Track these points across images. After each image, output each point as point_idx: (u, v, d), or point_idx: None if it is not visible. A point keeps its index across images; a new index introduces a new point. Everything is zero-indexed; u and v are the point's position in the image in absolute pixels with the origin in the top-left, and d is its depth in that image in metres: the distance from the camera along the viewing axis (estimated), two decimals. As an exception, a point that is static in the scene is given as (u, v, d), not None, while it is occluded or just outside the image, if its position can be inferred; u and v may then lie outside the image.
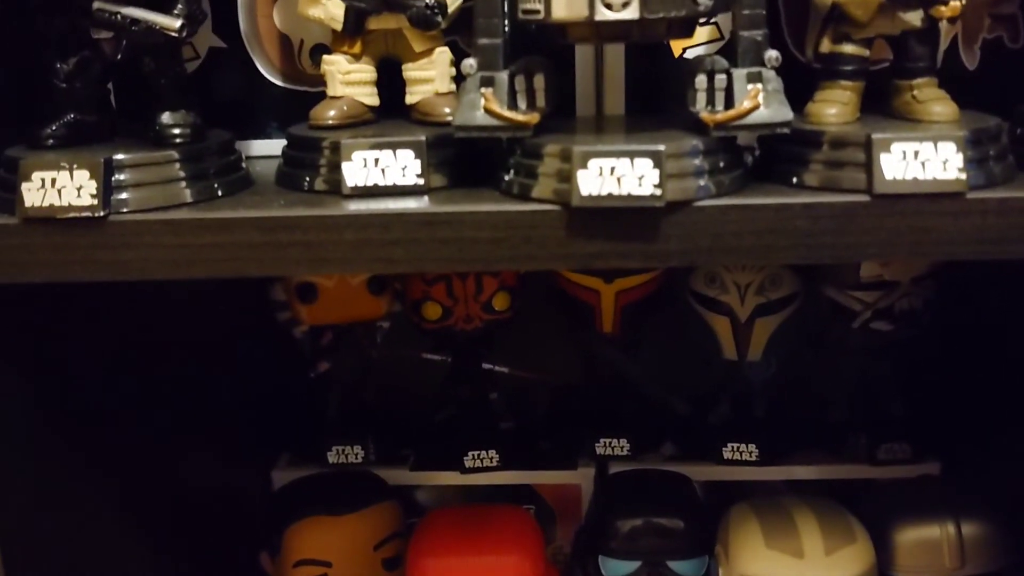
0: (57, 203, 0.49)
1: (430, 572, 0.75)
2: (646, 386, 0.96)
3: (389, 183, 0.53)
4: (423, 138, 0.54)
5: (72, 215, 0.49)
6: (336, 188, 0.53)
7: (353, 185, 0.53)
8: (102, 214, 0.50)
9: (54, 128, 0.55)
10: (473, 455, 0.92)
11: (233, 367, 0.93)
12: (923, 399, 0.94)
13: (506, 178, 0.53)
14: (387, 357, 0.96)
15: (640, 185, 0.47)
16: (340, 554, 0.81)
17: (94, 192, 0.49)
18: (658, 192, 0.47)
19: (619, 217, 0.48)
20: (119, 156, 0.51)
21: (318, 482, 0.87)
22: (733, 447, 0.92)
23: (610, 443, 0.93)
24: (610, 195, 0.47)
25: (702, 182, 0.48)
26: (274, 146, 0.65)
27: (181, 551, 0.82)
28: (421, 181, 0.53)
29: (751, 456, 0.92)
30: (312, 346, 0.95)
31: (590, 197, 0.47)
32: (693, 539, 0.81)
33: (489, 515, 0.81)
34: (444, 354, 0.95)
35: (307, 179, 0.56)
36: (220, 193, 0.55)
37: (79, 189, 0.49)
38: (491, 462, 0.92)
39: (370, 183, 0.53)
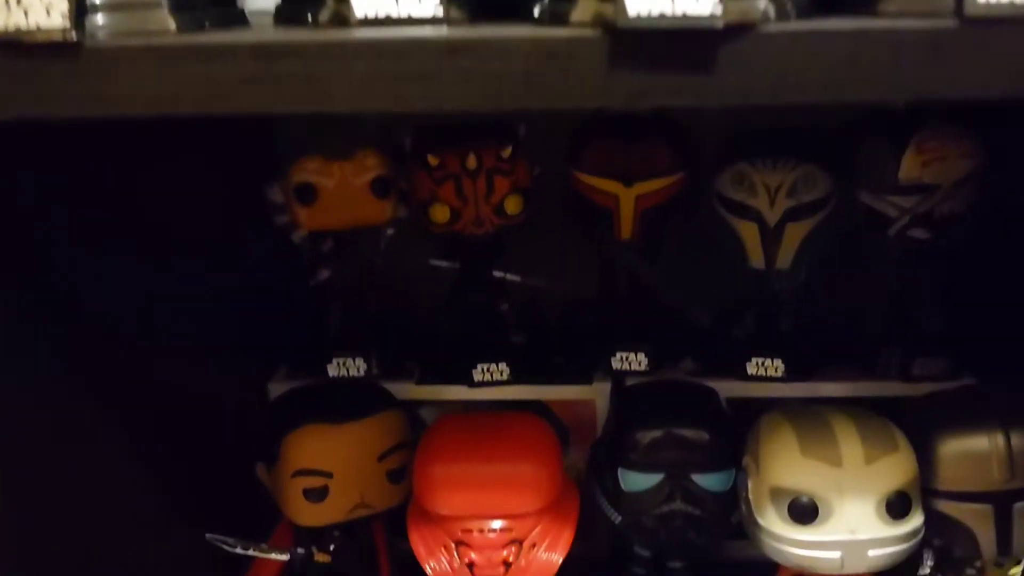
0: (23, 25, 0.43)
1: (438, 480, 0.70)
2: (666, 297, 0.91)
3: (403, 14, 0.46)
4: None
5: (41, 39, 0.43)
6: (343, 21, 0.47)
7: (363, 16, 0.47)
8: (75, 38, 0.43)
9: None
10: (482, 368, 0.87)
11: (229, 273, 0.88)
12: (961, 313, 0.88)
13: (539, 6, 0.47)
14: (391, 264, 0.90)
15: (697, 1, 0.40)
16: (341, 464, 0.76)
17: (65, 12, 0.42)
18: (717, 11, 0.41)
19: (670, 44, 0.42)
20: (93, -31, 0.45)
21: (318, 390, 0.82)
22: (758, 362, 0.87)
23: (627, 357, 0.88)
24: (662, 15, 0.41)
25: (764, 3, 0.42)
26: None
27: (177, 465, 0.77)
28: (440, 12, 0.46)
29: (777, 372, 0.87)
30: (312, 253, 0.89)
31: (638, 18, 0.41)
32: (719, 451, 0.76)
33: (502, 421, 0.75)
34: (452, 261, 0.89)
35: (310, 13, 0.50)
36: (209, 24, 0.48)
37: (48, 8, 0.43)
38: (501, 376, 0.87)
39: (382, 14, 0.46)
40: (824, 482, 0.68)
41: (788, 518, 0.69)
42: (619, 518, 0.78)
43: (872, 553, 0.68)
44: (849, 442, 0.70)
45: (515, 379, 0.87)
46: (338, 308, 0.90)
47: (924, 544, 0.77)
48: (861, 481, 0.68)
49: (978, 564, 0.75)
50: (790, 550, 0.69)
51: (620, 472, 0.77)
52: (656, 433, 0.76)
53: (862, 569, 0.69)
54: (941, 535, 0.74)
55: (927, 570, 0.76)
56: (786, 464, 0.70)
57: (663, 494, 0.76)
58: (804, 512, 0.69)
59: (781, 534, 0.70)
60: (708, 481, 0.76)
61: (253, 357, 0.90)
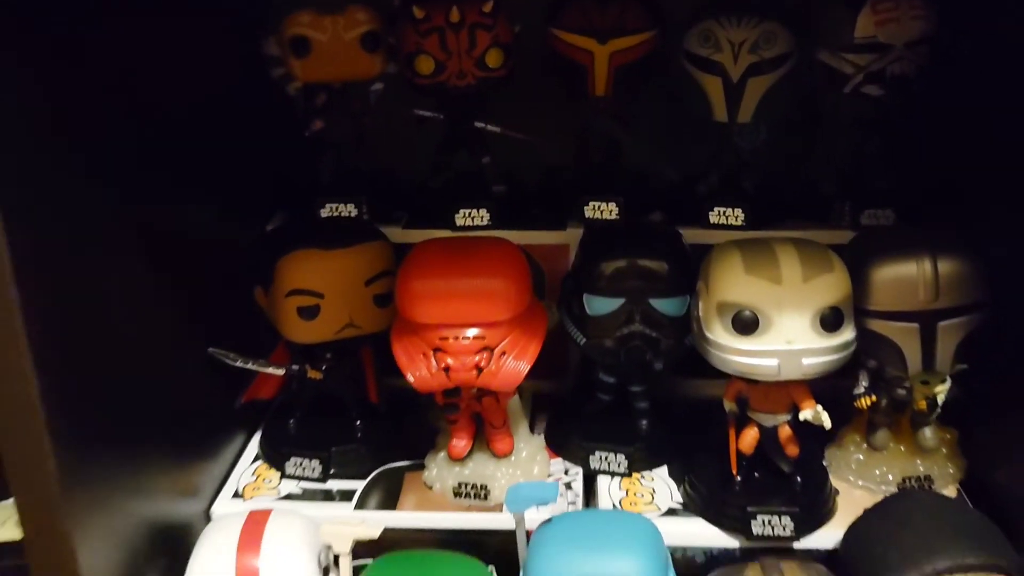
0: None
1: (418, 292, 0.77)
2: (637, 152, 0.97)
3: None
4: None
5: None
6: None
7: None
8: None
9: None
10: (464, 213, 0.94)
11: (229, 124, 0.94)
12: (909, 174, 0.95)
13: None
14: (381, 118, 0.96)
15: None
16: (331, 286, 0.84)
17: None
18: None
19: None
20: None
21: (311, 222, 0.89)
22: (720, 211, 0.94)
23: (599, 206, 0.94)
24: None
25: None
26: None
27: (186, 293, 0.83)
28: None
29: (737, 220, 0.93)
30: (306, 105, 0.96)
31: None
32: (676, 280, 0.83)
33: (477, 243, 0.82)
34: (437, 112, 0.95)
35: None
36: None
37: None
38: (482, 220, 0.94)
39: None
40: (765, 297, 0.76)
41: (732, 330, 0.77)
42: (583, 339, 0.86)
43: (806, 361, 0.76)
44: (789, 263, 0.77)
45: (495, 224, 0.94)
46: (331, 158, 0.97)
47: (859, 366, 0.85)
48: (798, 297, 0.75)
49: (907, 384, 0.83)
50: (734, 359, 0.77)
51: (585, 298, 0.85)
52: (620, 263, 0.84)
53: (797, 375, 0.76)
54: (874, 354, 0.82)
55: (861, 389, 0.84)
56: (731, 281, 0.77)
57: (623, 317, 0.84)
58: (746, 324, 0.76)
59: (726, 344, 0.77)
60: (665, 306, 0.84)
61: (252, 203, 0.96)
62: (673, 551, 0.83)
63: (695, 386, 0.98)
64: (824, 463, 0.88)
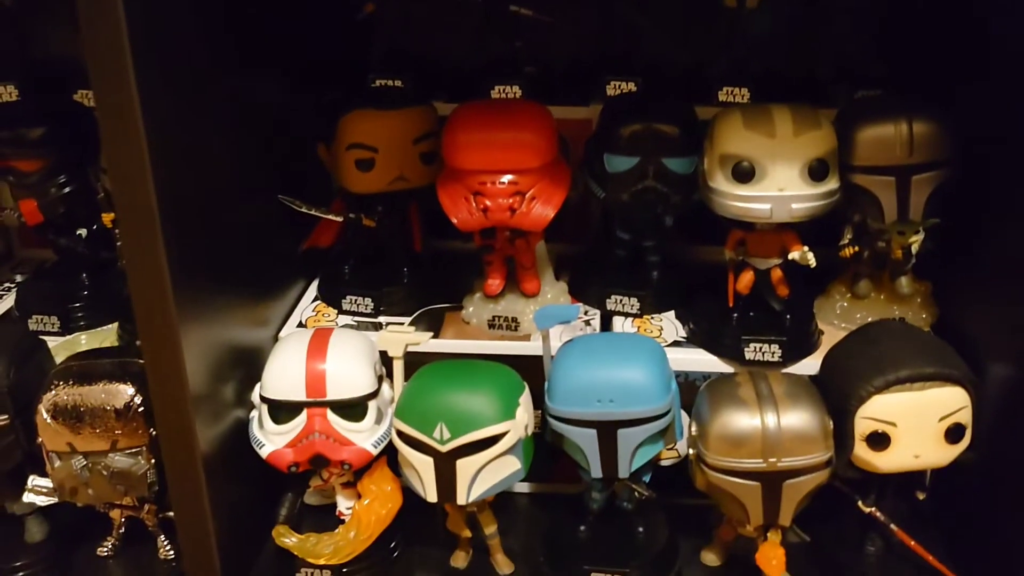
0: None
1: (461, 142, 0.90)
2: (655, 39, 1.08)
3: None
4: None
5: None
6: None
7: None
8: None
9: None
10: (499, 89, 1.06)
11: (295, 10, 1.05)
12: (903, 63, 1.06)
13: None
14: (425, 5, 1.08)
15: None
16: (385, 142, 0.96)
17: None
18: None
19: None
20: None
21: (366, 89, 1.01)
22: (728, 90, 1.05)
23: (619, 85, 1.06)
24: None
25: None
26: None
27: (262, 155, 0.96)
28: None
29: (743, 98, 1.05)
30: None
31: None
32: (686, 142, 0.95)
33: (512, 104, 0.95)
34: (476, -3, 1.06)
35: None
36: None
37: None
38: (515, 94, 1.06)
39: None
40: (760, 149, 0.87)
41: (732, 179, 0.88)
42: (603, 194, 0.98)
43: (795, 206, 0.88)
44: (783, 120, 0.88)
45: (525, 97, 1.06)
46: (380, 40, 1.09)
47: (845, 221, 0.97)
48: (789, 149, 0.87)
49: (886, 237, 0.94)
50: (732, 203, 0.89)
51: (606, 156, 0.97)
52: (637, 126, 0.95)
53: (787, 219, 0.88)
54: (857, 206, 0.94)
55: (846, 241, 0.96)
56: (732, 136, 0.88)
57: (639, 173, 0.96)
58: (744, 173, 0.88)
59: (726, 191, 0.89)
60: (675, 164, 0.95)
61: (315, 77, 1.08)
62: (677, 375, 0.96)
63: (702, 251, 1.10)
64: (813, 311, 1.00)
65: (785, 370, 0.94)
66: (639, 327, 1.00)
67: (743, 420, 0.80)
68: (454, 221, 0.91)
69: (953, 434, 0.83)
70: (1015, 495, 0.83)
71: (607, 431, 0.84)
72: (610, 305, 1.02)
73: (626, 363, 0.85)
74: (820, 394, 0.83)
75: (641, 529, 0.95)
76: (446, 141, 0.91)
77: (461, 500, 0.84)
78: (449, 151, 0.91)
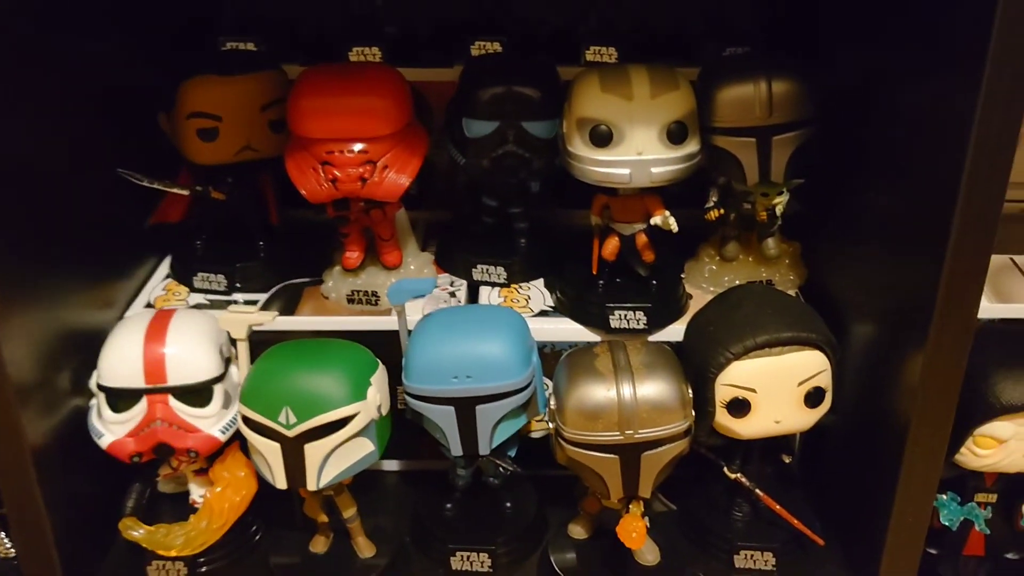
0: None
1: (307, 109, 0.85)
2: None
3: None
4: None
5: None
6: None
7: None
8: None
9: None
10: (357, 51, 1.01)
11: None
12: (771, 19, 1.04)
13: None
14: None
15: None
16: (229, 110, 0.91)
17: None
18: None
19: None
20: None
21: (210, 51, 0.95)
22: (595, 50, 1.02)
23: (484, 45, 1.02)
24: None
25: None
26: None
27: (91, 123, 0.89)
28: None
29: (611, 57, 1.02)
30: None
31: None
32: (546, 105, 0.92)
33: (361, 67, 0.90)
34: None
35: None
36: None
37: None
38: (374, 56, 1.01)
39: None
40: (618, 112, 0.84)
41: (590, 143, 0.86)
42: (463, 160, 0.94)
43: (654, 170, 0.85)
44: (640, 82, 0.85)
45: (386, 62, 1.01)
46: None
47: (710, 184, 0.95)
48: (647, 112, 0.84)
49: (751, 199, 0.93)
50: (592, 168, 0.86)
51: (464, 121, 0.93)
52: (496, 88, 0.91)
53: (646, 183, 0.86)
54: (721, 169, 0.92)
55: (711, 203, 0.94)
56: (589, 99, 0.85)
57: (498, 138, 0.92)
58: (602, 137, 0.85)
59: (585, 156, 0.86)
60: (536, 128, 0.92)
61: (158, 38, 1.01)
62: (543, 346, 0.94)
63: (576, 216, 1.07)
64: (682, 275, 0.98)
65: (653, 337, 0.92)
66: (506, 297, 0.97)
67: (599, 392, 0.78)
68: (303, 193, 0.87)
69: (813, 398, 0.82)
70: (878, 455, 0.83)
71: (465, 408, 0.82)
72: (476, 275, 0.99)
73: (483, 337, 0.82)
74: (681, 362, 0.82)
75: (509, 504, 0.93)
76: (291, 108, 0.86)
77: (311, 486, 0.80)
78: (294, 118, 0.86)
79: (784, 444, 0.91)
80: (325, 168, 0.86)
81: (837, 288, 0.94)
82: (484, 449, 0.84)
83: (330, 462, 0.80)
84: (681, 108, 0.85)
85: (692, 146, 0.87)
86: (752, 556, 0.89)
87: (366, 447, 0.81)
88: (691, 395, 0.80)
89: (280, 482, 0.80)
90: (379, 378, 0.81)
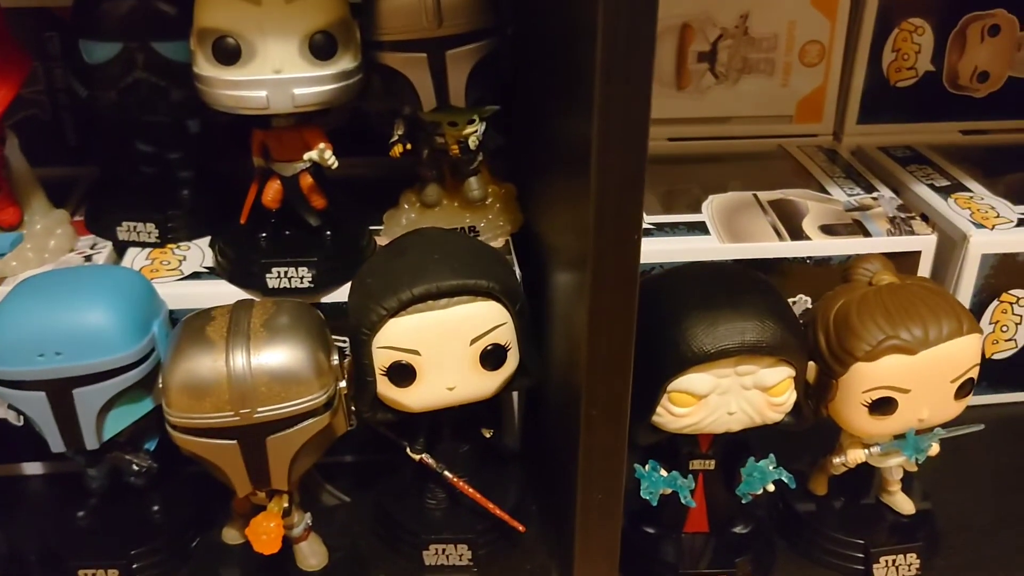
0: None
1: None
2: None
3: None
4: None
5: None
6: None
7: None
8: None
9: None
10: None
11: None
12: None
13: None
14: None
15: None
16: None
17: None
18: None
19: None
20: None
21: None
22: None
23: None
24: None
25: None
26: None
27: None
28: None
29: None
30: None
31: None
32: (180, 19, 0.75)
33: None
34: None
35: None
36: None
37: None
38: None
39: None
40: (244, 20, 0.69)
41: (215, 60, 0.70)
42: (85, 92, 0.77)
43: (297, 91, 0.70)
44: None
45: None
46: None
47: (395, 115, 0.80)
48: (282, 20, 0.69)
49: (441, 131, 0.79)
50: (221, 91, 0.71)
51: (82, 44, 0.76)
52: (115, 1, 0.75)
53: (289, 107, 0.71)
54: (394, 93, 0.77)
55: (396, 137, 0.80)
56: (209, 4, 0.69)
57: (125, 63, 0.75)
58: (228, 52, 0.69)
59: (212, 77, 0.70)
60: (169, 50, 0.76)
61: None
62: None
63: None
64: (365, 225, 0.83)
65: (327, 299, 0.77)
66: (155, 258, 0.81)
67: (204, 364, 0.62)
68: None
69: (491, 357, 0.68)
70: (567, 423, 0.69)
71: (59, 392, 0.65)
72: (121, 235, 0.82)
73: (76, 305, 0.66)
74: (322, 323, 0.67)
75: (156, 508, 0.77)
76: None
77: None
78: None
79: (485, 415, 0.77)
80: None
81: (548, 234, 0.80)
82: (91, 443, 0.68)
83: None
84: (325, 15, 0.70)
85: (346, 63, 0.72)
86: (444, 550, 0.74)
87: None
88: (336, 361, 0.65)
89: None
90: None
